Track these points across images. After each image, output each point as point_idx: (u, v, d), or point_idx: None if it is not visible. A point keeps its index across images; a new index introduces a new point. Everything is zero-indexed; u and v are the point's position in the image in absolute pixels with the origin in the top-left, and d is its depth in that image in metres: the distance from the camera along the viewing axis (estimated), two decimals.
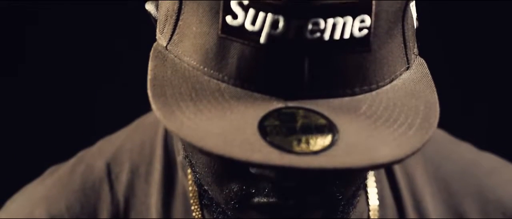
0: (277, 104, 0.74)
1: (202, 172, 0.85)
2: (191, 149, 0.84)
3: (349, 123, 0.74)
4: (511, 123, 1.62)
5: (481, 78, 1.63)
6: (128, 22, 1.50)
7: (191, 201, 0.98)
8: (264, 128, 0.72)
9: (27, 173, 1.53)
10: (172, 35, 0.80)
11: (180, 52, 0.79)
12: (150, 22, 0.88)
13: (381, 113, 0.75)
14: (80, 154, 1.06)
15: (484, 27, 1.61)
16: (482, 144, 1.11)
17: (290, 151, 0.71)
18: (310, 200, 0.82)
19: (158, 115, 0.74)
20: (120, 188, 1.01)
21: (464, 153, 1.08)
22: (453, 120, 1.22)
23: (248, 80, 0.75)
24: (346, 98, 0.76)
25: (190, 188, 0.98)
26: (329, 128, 0.73)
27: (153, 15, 0.87)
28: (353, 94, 0.76)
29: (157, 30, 0.84)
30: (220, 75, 0.76)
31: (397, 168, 1.04)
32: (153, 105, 0.75)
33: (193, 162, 0.86)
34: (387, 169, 1.04)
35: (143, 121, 1.06)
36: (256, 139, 0.71)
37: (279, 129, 0.72)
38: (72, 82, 1.58)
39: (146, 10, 0.89)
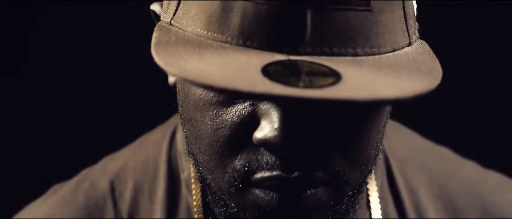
0: (280, 58, 0.75)
1: (205, 158, 0.84)
2: (193, 94, 0.83)
3: (352, 71, 0.74)
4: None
5: (482, 94, 1.63)
6: (129, 22, 1.49)
7: (196, 216, 0.98)
8: (268, 71, 0.73)
9: (27, 175, 1.54)
10: (176, 10, 0.81)
11: (184, 23, 0.80)
12: (152, 24, 0.88)
13: (384, 69, 0.76)
14: (84, 172, 1.06)
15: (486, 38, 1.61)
16: (482, 160, 1.11)
17: (294, 86, 0.71)
18: (314, 175, 0.81)
19: (161, 64, 0.74)
20: (124, 205, 1.01)
21: (469, 171, 1.09)
22: (454, 137, 1.22)
23: (251, 37, 0.76)
24: (348, 57, 0.76)
25: (195, 203, 0.98)
26: (332, 73, 0.73)
27: (158, 13, 0.88)
28: (356, 54, 0.76)
29: (162, 12, 0.85)
30: (223, 37, 0.77)
31: (401, 185, 1.04)
32: (155, 57, 0.75)
33: (196, 150, 0.86)
34: (391, 186, 1.04)
35: (146, 139, 1.06)
36: (260, 77, 0.72)
37: (283, 73, 0.73)
38: (73, 83, 1.58)
39: (150, 12, 0.90)
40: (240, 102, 0.81)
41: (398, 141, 1.07)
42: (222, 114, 0.81)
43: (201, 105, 0.82)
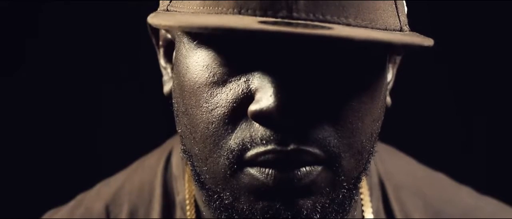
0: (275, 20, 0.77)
1: (200, 146, 0.84)
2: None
3: (345, 28, 0.77)
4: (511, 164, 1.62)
5: (483, 119, 1.62)
6: (130, 21, 1.48)
7: None
8: (263, 22, 0.75)
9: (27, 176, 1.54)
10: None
11: (180, 6, 0.83)
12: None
13: (376, 32, 0.78)
14: (79, 197, 1.06)
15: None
16: (481, 186, 1.11)
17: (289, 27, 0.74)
18: (310, 151, 0.81)
19: (157, 21, 0.79)
20: None
21: (465, 196, 1.09)
22: (453, 162, 1.22)
23: (245, 6, 0.78)
24: (341, 25, 0.78)
25: None
26: (325, 28, 0.76)
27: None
28: (348, 24, 0.78)
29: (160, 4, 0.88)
30: (218, 9, 0.79)
31: (396, 210, 1.04)
32: (150, 20, 0.80)
33: (191, 142, 0.85)
34: (387, 211, 1.04)
35: (141, 163, 1.07)
36: (255, 23, 0.75)
37: (278, 24, 0.75)
38: (73, 84, 1.57)
39: (146, 25, 0.91)
40: (234, 81, 0.82)
41: (394, 166, 1.07)
42: (216, 94, 0.82)
43: (196, 88, 0.83)
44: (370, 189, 1.03)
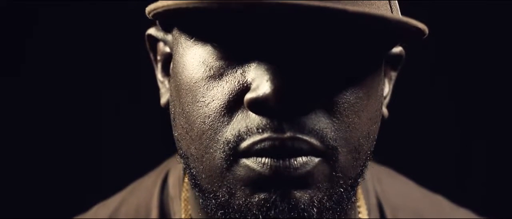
0: None
1: (196, 145, 0.84)
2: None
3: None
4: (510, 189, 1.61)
5: (482, 143, 1.61)
6: (131, 21, 1.48)
7: None
8: None
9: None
10: None
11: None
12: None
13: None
14: None
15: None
16: (480, 207, 1.11)
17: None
18: (307, 140, 0.80)
19: (153, 6, 0.81)
20: None
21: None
22: (451, 185, 1.22)
23: None
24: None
25: None
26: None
27: (155, 36, 0.92)
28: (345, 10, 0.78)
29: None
30: None
31: None
32: (147, 9, 0.83)
33: (188, 142, 0.85)
34: None
35: (138, 185, 1.07)
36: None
37: None
38: (74, 84, 1.57)
39: (145, 39, 0.93)
40: (231, 73, 0.82)
41: (392, 187, 1.07)
42: (213, 88, 0.82)
43: (193, 84, 0.83)
44: (368, 210, 1.03)
